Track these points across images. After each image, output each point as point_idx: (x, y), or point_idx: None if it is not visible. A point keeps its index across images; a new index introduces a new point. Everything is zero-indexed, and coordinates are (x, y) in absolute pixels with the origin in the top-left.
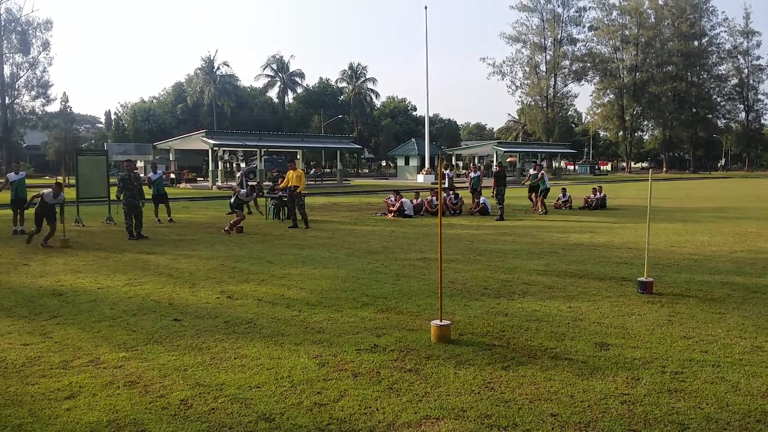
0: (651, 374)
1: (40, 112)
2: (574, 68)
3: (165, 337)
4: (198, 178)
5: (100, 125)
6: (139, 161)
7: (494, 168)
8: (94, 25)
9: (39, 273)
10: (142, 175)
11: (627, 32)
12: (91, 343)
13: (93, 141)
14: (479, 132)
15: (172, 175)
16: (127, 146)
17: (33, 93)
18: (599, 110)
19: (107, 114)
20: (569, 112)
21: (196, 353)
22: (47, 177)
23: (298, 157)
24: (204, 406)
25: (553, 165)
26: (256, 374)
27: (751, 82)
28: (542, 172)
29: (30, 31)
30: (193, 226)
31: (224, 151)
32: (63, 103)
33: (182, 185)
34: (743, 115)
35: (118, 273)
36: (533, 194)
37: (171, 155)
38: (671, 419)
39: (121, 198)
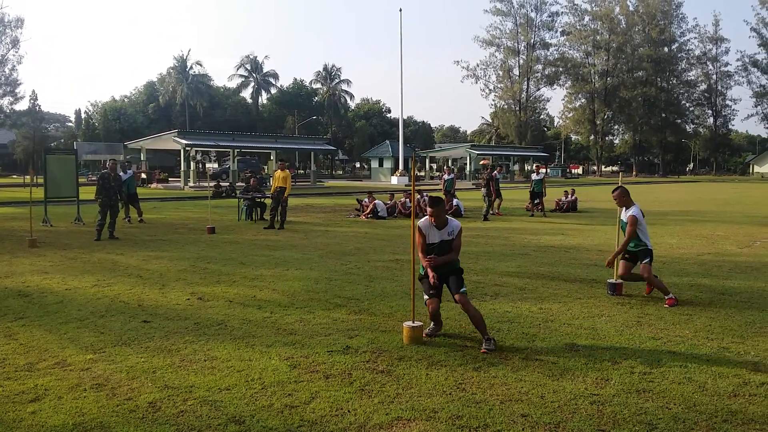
0: (620, 375)
1: (8, 111)
2: (546, 72)
3: (134, 339)
4: (170, 179)
5: (70, 124)
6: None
7: (484, 174)
8: (65, 22)
9: (4, 273)
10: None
11: (598, 37)
12: (58, 345)
13: (62, 140)
14: (453, 135)
15: (143, 175)
16: (98, 145)
17: (0, 91)
18: (571, 114)
19: (77, 113)
20: (541, 116)
21: (166, 355)
22: (14, 176)
23: (272, 158)
24: (173, 408)
25: (525, 168)
26: (226, 376)
27: (719, 88)
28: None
29: None
30: (163, 227)
31: (197, 152)
32: (32, 101)
33: (153, 185)
34: (711, 120)
35: (87, 274)
36: (535, 199)
37: (142, 155)
38: (640, 419)
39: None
